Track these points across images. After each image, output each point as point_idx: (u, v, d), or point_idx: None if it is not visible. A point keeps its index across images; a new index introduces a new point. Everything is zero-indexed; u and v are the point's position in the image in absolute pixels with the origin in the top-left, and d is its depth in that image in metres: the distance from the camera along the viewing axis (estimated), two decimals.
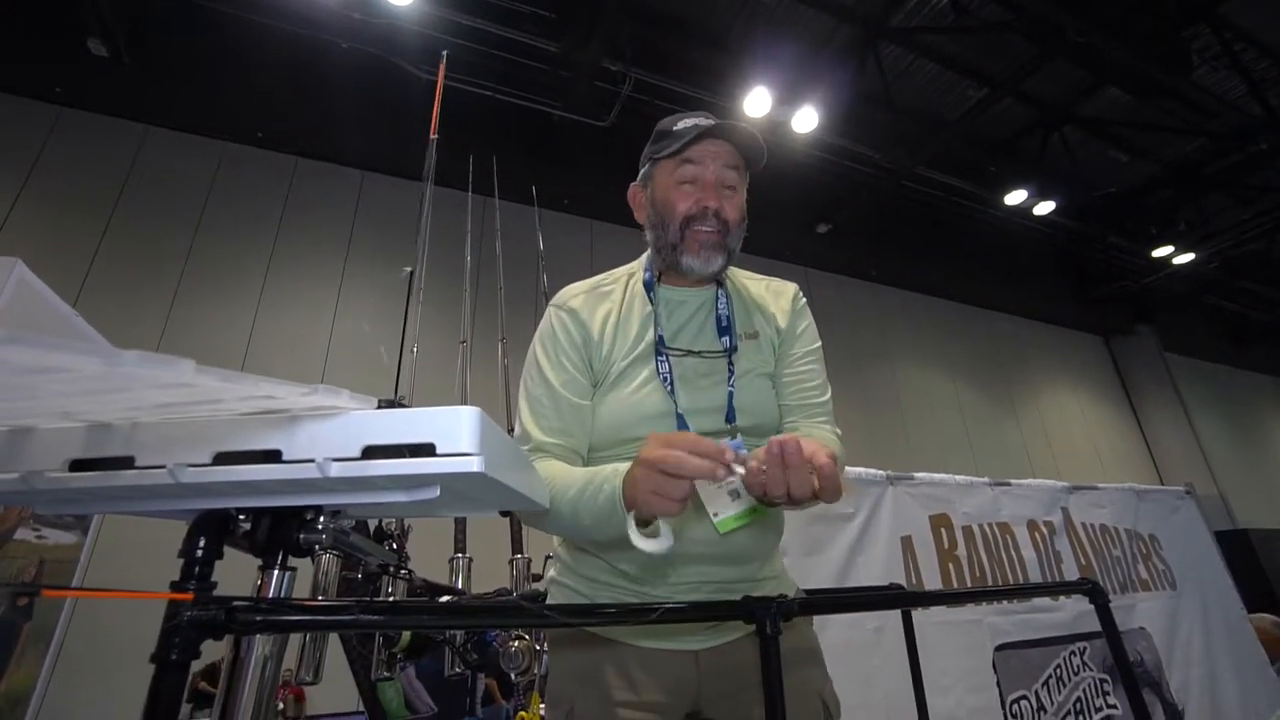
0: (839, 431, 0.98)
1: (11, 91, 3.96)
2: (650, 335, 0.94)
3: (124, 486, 0.42)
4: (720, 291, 1.00)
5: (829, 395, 1.00)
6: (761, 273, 1.11)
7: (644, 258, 1.03)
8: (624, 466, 0.73)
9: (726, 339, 0.96)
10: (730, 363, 0.94)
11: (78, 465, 0.42)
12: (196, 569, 0.47)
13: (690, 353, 0.94)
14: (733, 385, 0.92)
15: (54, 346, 0.26)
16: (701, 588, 0.87)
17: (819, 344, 1.03)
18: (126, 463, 0.42)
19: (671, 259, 0.95)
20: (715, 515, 0.83)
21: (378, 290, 4.42)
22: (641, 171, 1.01)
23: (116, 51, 3.85)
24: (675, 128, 0.95)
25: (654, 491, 0.66)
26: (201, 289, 4.04)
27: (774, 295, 1.05)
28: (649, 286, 0.99)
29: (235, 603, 0.46)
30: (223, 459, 0.42)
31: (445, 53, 1.98)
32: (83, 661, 2.82)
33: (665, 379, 0.90)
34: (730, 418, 0.90)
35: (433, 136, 1.73)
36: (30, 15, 3.77)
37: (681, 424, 0.88)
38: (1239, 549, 6.13)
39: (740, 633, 0.90)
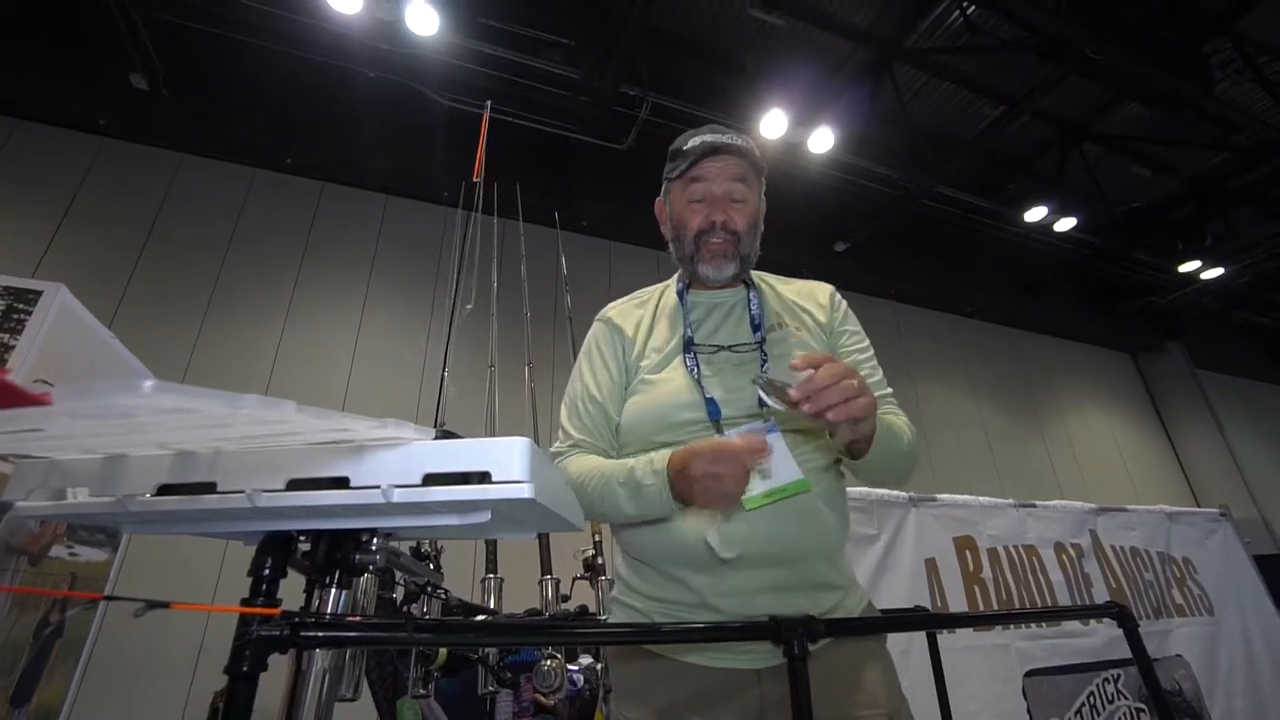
0: (903, 414, 1.02)
1: (60, 124, 4.16)
2: (680, 335, 1.02)
3: (205, 510, 0.46)
4: (751, 292, 1.07)
5: (888, 389, 1.04)
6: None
7: (677, 272, 1.13)
8: (649, 468, 0.84)
9: (758, 334, 1.02)
10: (763, 353, 0.99)
11: (165, 490, 0.46)
12: (264, 586, 0.50)
13: (721, 348, 1.00)
14: (765, 372, 0.96)
15: (196, 394, 0.29)
16: (764, 594, 0.86)
17: (868, 343, 1.08)
18: (209, 488, 0.46)
19: (690, 269, 1.06)
20: (743, 494, 0.87)
21: (400, 311, 4.52)
22: (663, 189, 1.11)
23: (157, 85, 4.03)
24: (685, 147, 1.03)
25: (717, 497, 0.79)
26: (230, 308, 4.16)
27: (808, 294, 1.12)
28: (681, 295, 1.08)
29: (299, 619, 0.49)
30: (296, 485, 0.45)
31: (489, 102, 2.06)
32: (110, 676, 2.87)
33: (693, 370, 0.96)
34: (762, 403, 0.93)
35: (476, 179, 1.80)
36: (78, 54, 3.98)
37: (713, 409, 0.92)
38: None
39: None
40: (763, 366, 0.97)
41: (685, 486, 0.80)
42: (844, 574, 0.96)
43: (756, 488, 0.87)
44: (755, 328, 1.02)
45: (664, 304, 1.08)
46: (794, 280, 1.15)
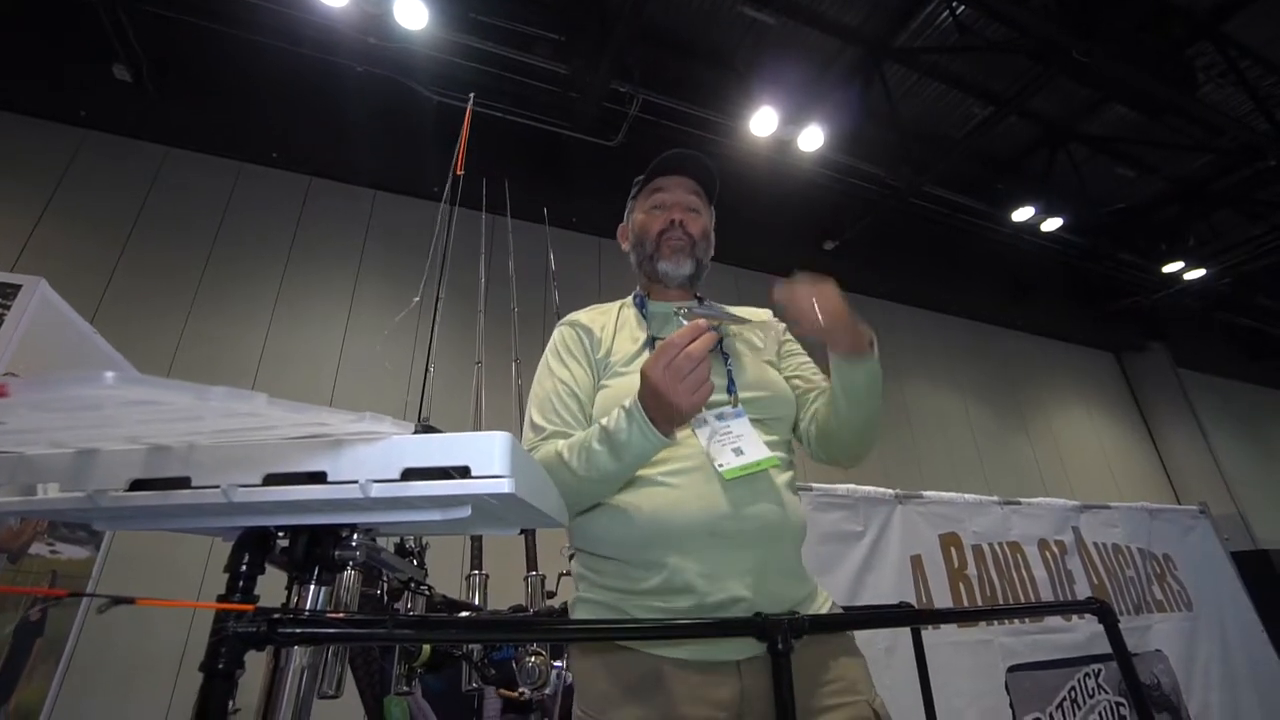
0: None
1: (40, 116, 4.08)
2: (644, 336, 1.07)
3: (180, 505, 0.45)
4: (704, 304, 1.14)
5: None
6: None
7: (634, 290, 1.21)
8: (618, 412, 0.84)
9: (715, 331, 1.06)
10: (723, 353, 1.05)
11: (138, 485, 0.45)
12: (241, 583, 0.49)
13: None
14: (729, 365, 1.03)
15: (160, 385, 0.29)
16: (742, 577, 0.87)
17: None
18: (183, 483, 0.45)
19: (650, 269, 1.14)
20: (721, 465, 0.90)
21: (388, 307, 4.49)
22: (626, 211, 1.24)
23: (140, 77, 3.97)
24: (646, 174, 1.17)
25: (691, 391, 0.78)
26: (215, 304, 4.11)
27: (751, 313, 1.19)
28: (641, 305, 1.14)
29: (276, 615, 0.49)
30: (272, 480, 0.45)
31: (473, 95, 2.05)
32: (92, 675, 2.84)
33: None
34: (730, 389, 1.00)
35: (459, 173, 1.79)
36: (60, 44, 3.91)
37: None
38: (1260, 570, 5.97)
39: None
40: (726, 362, 1.03)
41: (657, 405, 0.80)
42: (807, 568, 0.99)
43: (732, 461, 0.90)
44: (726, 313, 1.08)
45: (624, 314, 1.14)
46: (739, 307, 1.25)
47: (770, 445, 0.96)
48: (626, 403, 0.84)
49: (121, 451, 0.45)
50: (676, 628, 0.80)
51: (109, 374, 0.27)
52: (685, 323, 0.82)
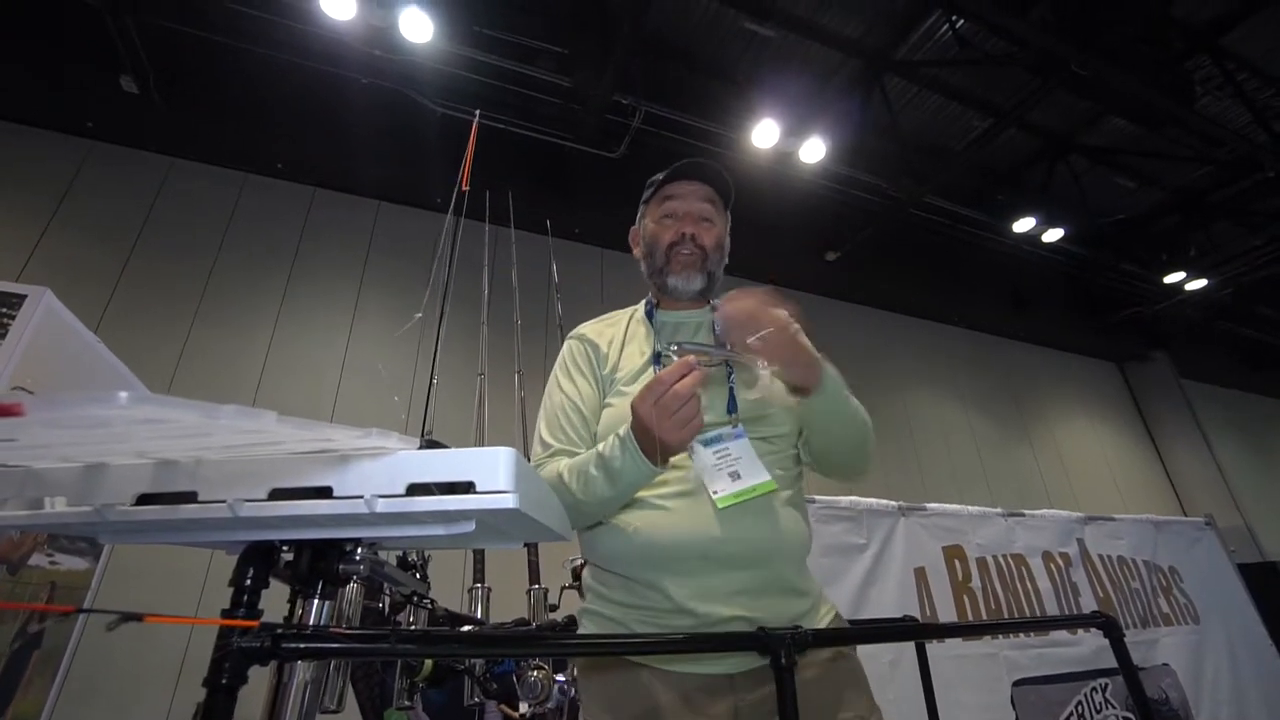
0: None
1: (47, 127, 4.12)
2: (650, 349, 1.06)
3: (185, 519, 0.45)
4: (714, 314, 1.12)
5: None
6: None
7: (645, 297, 1.19)
8: (613, 440, 0.85)
9: (724, 345, 1.04)
10: (728, 366, 1.03)
11: (145, 499, 0.45)
12: (245, 597, 0.49)
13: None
14: (732, 381, 1.01)
15: (174, 404, 0.29)
16: (738, 596, 0.87)
17: None
18: (189, 497, 0.45)
19: (660, 282, 1.12)
20: (715, 493, 0.89)
21: (391, 318, 4.50)
22: (638, 215, 1.20)
23: (147, 88, 4.01)
24: (660, 176, 1.14)
25: (679, 428, 0.79)
26: (219, 314, 4.12)
27: None
28: (650, 314, 1.13)
29: (280, 631, 0.48)
30: (278, 495, 0.45)
31: (478, 112, 2.07)
32: (90, 686, 2.82)
33: None
34: (731, 408, 0.99)
35: (465, 189, 1.80)
36: (68, 56, 3.95)
37: None
38: (1267, 582, 5.91)
39: None
40: (730, 378, 1.01)
41: (647, 439, 0.82)
42: (811, 583, 0.99)
43: (728, 488, 0.90)
44: (719, 342, 1.05)
45: (634, 323, 1.14)
46: None
47: (774, 462, 0.96)
48: (621, 431, 0.86)
49: (129, 466, 0.46)
50: (679, 642, 0.80)
51: (123, 394, 0.27)
52: (676, 358, 0.83)
